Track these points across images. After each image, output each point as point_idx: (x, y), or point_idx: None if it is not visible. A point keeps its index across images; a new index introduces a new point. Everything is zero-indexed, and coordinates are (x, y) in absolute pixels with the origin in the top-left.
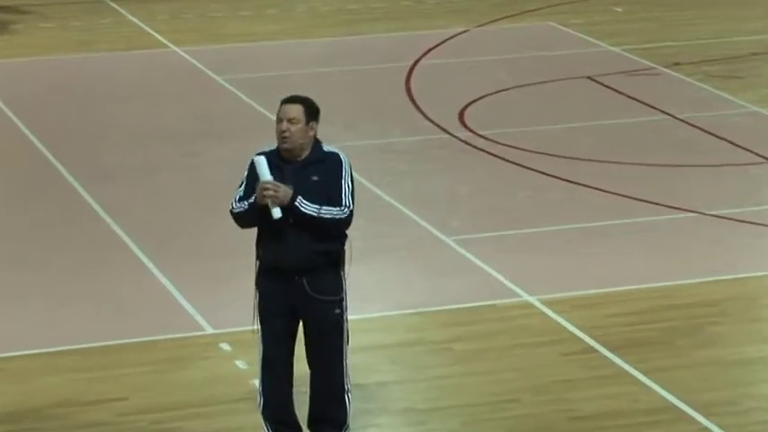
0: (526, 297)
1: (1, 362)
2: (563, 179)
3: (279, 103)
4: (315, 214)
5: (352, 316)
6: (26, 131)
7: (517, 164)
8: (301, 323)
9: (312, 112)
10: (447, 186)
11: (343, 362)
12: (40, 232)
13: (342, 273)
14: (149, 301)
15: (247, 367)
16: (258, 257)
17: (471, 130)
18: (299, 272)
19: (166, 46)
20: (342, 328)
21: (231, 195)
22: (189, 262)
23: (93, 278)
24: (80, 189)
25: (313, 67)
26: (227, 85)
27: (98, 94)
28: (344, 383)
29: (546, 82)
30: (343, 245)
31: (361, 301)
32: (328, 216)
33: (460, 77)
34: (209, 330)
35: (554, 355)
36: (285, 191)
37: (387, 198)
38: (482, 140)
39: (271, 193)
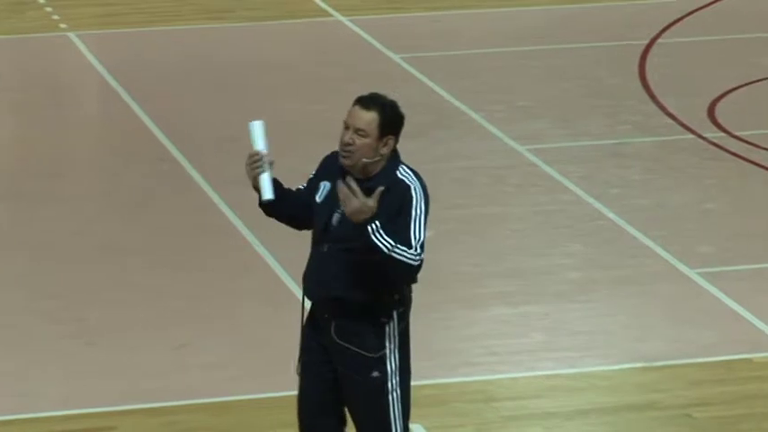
0: None
1: (115, 418)
2: None
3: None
4: (386, 250)
5: (561, 370)
6: (145, 118)
7: None
8: None
9: (391, 123)
10: (692, 202)
11: None
12: (156, 253)
13: (389, 326)
14: None
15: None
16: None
17: (725, 130)
18: (328, 314)
19: (328, 14)
20: (387, 398)
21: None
22: None
23: (221, 311)
24: (213, 195)
25: (517, 45)
26: (407, 66)
27: (233, 74)
28: None
29: None
30: (397, 296)
31: (572, 351)
32: (400, 258)
33: (711, 61)
34: None
35: None
36: (369, 204)
37: (611, 216)
38: (738, 143)
39: (346, 191)
